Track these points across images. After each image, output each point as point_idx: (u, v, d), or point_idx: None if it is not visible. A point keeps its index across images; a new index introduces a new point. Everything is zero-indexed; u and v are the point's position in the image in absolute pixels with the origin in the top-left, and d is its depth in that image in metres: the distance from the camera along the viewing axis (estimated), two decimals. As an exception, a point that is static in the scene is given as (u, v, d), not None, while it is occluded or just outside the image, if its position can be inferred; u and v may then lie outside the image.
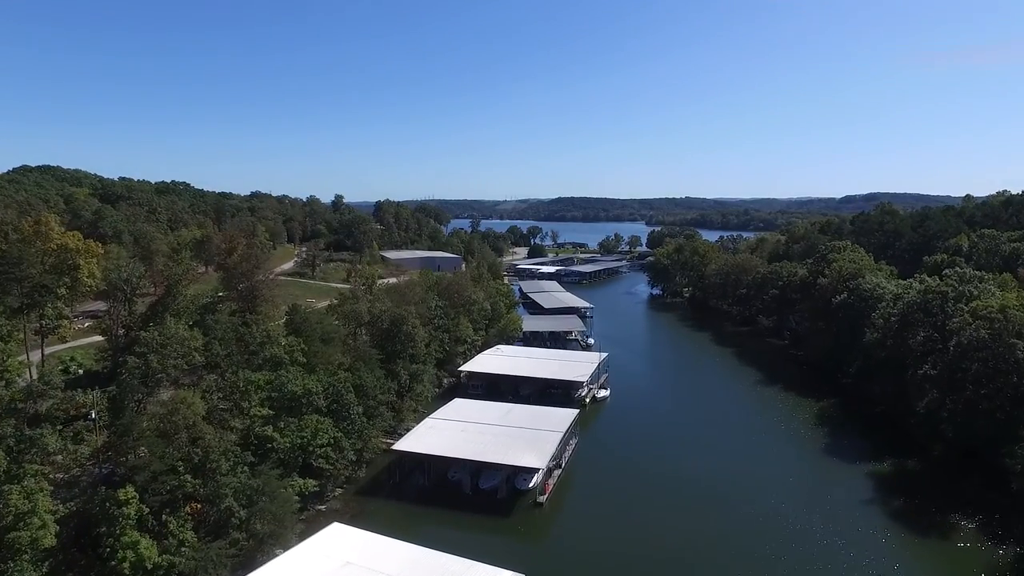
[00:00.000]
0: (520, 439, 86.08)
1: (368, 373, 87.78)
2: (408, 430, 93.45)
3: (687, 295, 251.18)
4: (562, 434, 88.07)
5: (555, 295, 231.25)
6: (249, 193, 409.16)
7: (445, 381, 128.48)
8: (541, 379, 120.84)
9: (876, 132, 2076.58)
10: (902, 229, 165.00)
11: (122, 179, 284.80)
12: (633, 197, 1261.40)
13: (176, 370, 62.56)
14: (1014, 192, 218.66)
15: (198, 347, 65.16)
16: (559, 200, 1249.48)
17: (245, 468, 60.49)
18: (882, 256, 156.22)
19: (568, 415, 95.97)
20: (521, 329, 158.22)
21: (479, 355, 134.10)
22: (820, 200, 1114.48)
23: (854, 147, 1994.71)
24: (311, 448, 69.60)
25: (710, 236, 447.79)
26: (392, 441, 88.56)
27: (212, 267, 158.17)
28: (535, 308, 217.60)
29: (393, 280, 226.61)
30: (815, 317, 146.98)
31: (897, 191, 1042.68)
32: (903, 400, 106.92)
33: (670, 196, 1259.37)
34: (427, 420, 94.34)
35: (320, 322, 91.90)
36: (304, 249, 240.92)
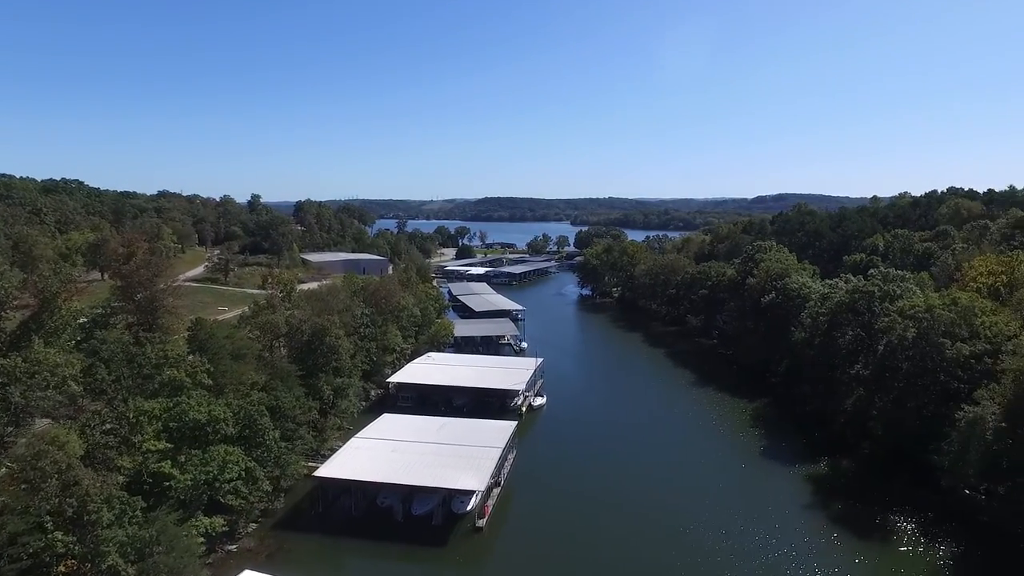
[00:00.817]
0: (456, 457, 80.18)
1: (286, 392, 79.38)
2: (333, 451, 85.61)
3: (616, 295, 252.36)
4: (501, 450, 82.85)
5: (486, 297, 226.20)
6: (156, 192, 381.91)
7: (373, 393, 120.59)
8: (475, 388, 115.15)
9: (783, 137, 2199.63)
10: (822, 229, 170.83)
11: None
12: (558, 197, 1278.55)
13: (47, 402, 52.66)
14: (915, 194, 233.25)
15: (74, 374, 55.30)
16: (486, 200, 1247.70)
17: (137, 515, 51.53)
18: (803, 256, 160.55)
19: (506, 428, 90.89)
20: (452, 335, 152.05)
21: (409, 364, 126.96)
22: (734, 200, 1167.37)
23: (763, 151, 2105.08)
24: (218, 483, 60.98)
25: (635, 235, 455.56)
26: (315, 465, 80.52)
27: (108, 274, 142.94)
28: (466, 312, 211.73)
29: (315, 285, 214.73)
30: (744, 317, 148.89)
31: (803, 192, 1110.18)
32: (832, 399, 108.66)
33: (594, 196, 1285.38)
34: (353, 440, 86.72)
35: (230, 336, 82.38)
36: (216, 252, 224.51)
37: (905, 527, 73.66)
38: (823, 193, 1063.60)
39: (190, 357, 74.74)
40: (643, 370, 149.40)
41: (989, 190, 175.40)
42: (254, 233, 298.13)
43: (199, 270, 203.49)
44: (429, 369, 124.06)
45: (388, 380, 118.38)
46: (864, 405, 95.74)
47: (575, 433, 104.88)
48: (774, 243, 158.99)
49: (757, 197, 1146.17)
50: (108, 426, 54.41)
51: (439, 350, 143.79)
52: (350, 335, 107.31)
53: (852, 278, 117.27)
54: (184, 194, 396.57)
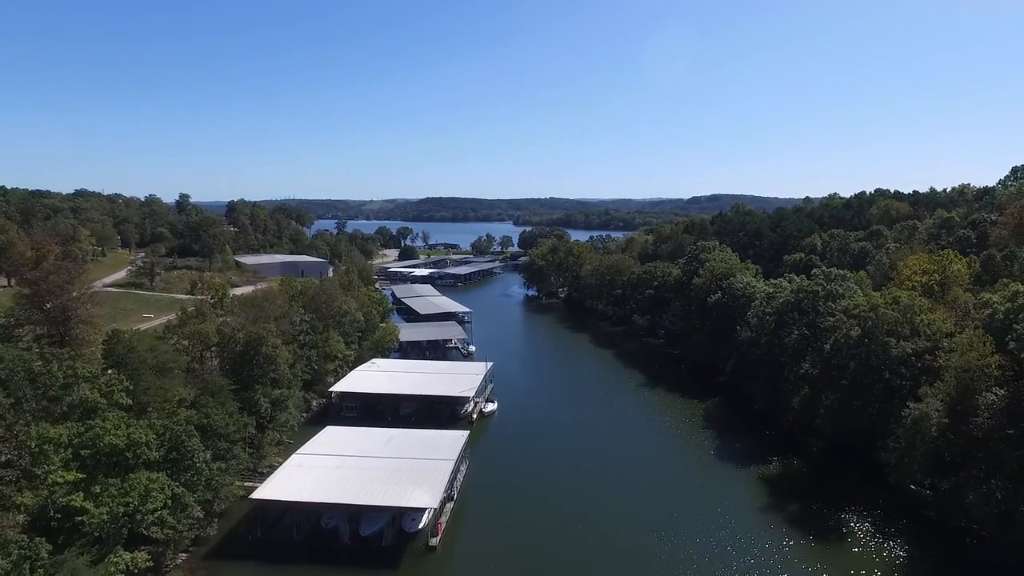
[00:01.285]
0: (406, 472, 75.80)
1: (218, 408, 72.94)
2: (272, 469, 79.70)
3: (563, 296, 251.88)
4: (453, 462, 78.99)
5: (431, 300, 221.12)
6: (72, 192, 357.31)
7: (315, 403, 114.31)
8: (424, 396, 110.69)
9: (715, 140, 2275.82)
10: (762, 229, 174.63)
11: None
12: (500, 197, 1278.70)
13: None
14: (844, 195, 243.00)
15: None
16: (427, 200, 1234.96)
17: (42, 558, 45.04)
18: (745, 255, 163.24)
19: (458, 439, 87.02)
20: (398, 340, 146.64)
21: (353, 372, 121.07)
22: (670, 201, 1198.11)
23: (697, 153, 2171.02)
24: (140, 515, 54.66)
25: (578, 235, 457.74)
26: (252, 486, 74.42)
27: (15, 281, 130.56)
28: (411, 315, 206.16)
29: (250, 289, 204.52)
30: (690, 317, 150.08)
31: (736, 192, 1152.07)
32: (779, 397, 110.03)
33: (536, 196, 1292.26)
34: (294, 457, 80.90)
35: (153, 348, 75.15)
36: (141, 256, 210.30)
37: (859, 526, 74.22)
38: (754, 194, 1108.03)
39: (108, 373, 67.48)
40: (593, 371, 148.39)
41: (914, 191, 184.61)
42: (183, 235, 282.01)
43: (121, 274, 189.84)
44: (374, 376, 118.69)
45: (331, 390, 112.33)
46: (812, 403, 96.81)
47: (528, 439, 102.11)
48: (717, 243, 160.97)
49: (692, 198, 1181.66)
50: (4, 458, 47.49)
51: (384, 356, 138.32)
52: (288, 343, 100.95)
53: (796, 278, 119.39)
54: (105, 193, 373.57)
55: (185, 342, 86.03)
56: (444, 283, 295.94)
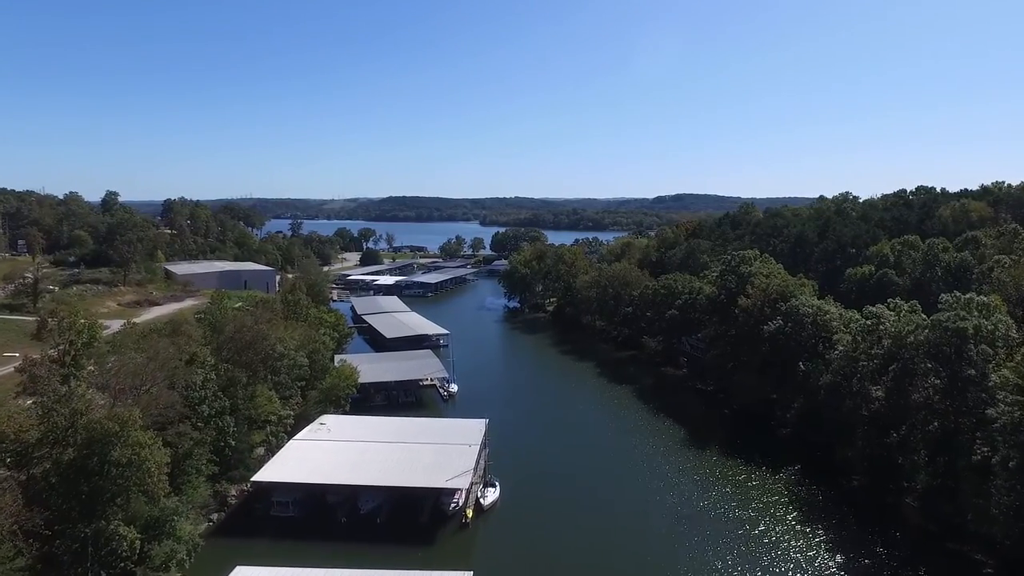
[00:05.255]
0: None
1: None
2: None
3: (551, 309, 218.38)
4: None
5: (398, 317, 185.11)
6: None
7: (233, 495, 77.88)
8: (395, 488, 75.44)
9: (678, 139, 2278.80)
10: (806, 235, 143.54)
11: None
12: (465, 197, 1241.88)
13: None
14: (808, 195, 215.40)
15: None
16: (390, 199, 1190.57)
17: None
18: (787, 268, 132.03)
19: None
20: (357, 383, 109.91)
21: (288, 445, 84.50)
22: (635, 200, 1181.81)
23: (662, 153, 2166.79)
24: None
25: (550, 236, 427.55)
26: None
27: None
28: (374, 338, 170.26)
29: (173, 308, 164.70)
30: (733, 345, 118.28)
31: (699, 192, 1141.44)
32: (891, 474, 79.10)
33: (500, 196, 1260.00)
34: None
35: None
36: (33, 267, 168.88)
37: None
38: (719, 193, 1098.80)
39: None
40: (613, 419, 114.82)
41: (983, 187, 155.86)
42: (105, 238, 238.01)
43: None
44: (321, 452, 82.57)
45: (254, 479, 75.70)
46: (974, 496, 65.60)
47: (553, 554, 67.71)
48: (758, 252, 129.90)
49: (657, 197, 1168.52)
50: None
51: (339, 407, 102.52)
52: (182, 420, 64.59)
53: (899, 305, 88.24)
54: (15, 190, 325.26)
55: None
56: (412, 293, 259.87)
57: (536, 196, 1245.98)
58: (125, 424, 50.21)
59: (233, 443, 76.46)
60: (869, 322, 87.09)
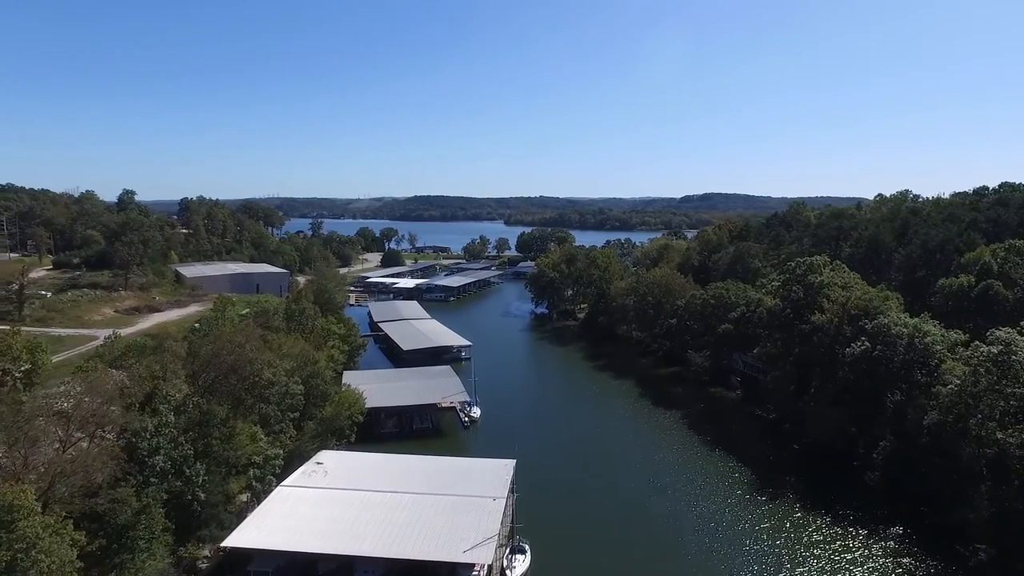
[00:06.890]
0: None
1: None
2: None
3: (582, 317, 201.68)
4: None
5: (417, 326, 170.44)
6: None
7: (203, 560, 63.33)
8: (399, 560, 60.00)
9: (705, 137, 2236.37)
10: (881, 238, 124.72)
11: None
12: (490, 196, 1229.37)
13: None
14: (840, 196, 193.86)
15: None
16: (416, 199, 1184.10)
17: None
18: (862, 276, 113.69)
19: None
20: (363, 409, 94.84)
21: (274, 494, 69.45)
22: (662, 200, 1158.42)
23: (688, 151, 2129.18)
24: None
25: (577, 236, 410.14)
26: None
27: None
28: (390, 348, 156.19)
29: (176, 314, 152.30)
30: (805, 368, 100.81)
31: (728, 191, 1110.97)
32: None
33: (525, 195, 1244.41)
34: None
35: None
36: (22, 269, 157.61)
37: None
38: (748, 193, 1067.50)
39: None
40: (665, 456, 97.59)
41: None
42: (113, 239, 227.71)
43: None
44: (312, 505, 67.49)
45: (225, 543, 60.75)
46: None
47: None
48: (828, 259, 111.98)
49: (685, 196, 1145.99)
50: None
51: (342, 440, 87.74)
52: (119, 482, 50.06)
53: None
54: (28, 188, 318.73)
55: None
56: (433, 297, 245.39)
57: (561, 195, 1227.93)
58: (12, 509, 35.69)
59: (203, 496, 61.84)
60: (995, 350, 69.35)
